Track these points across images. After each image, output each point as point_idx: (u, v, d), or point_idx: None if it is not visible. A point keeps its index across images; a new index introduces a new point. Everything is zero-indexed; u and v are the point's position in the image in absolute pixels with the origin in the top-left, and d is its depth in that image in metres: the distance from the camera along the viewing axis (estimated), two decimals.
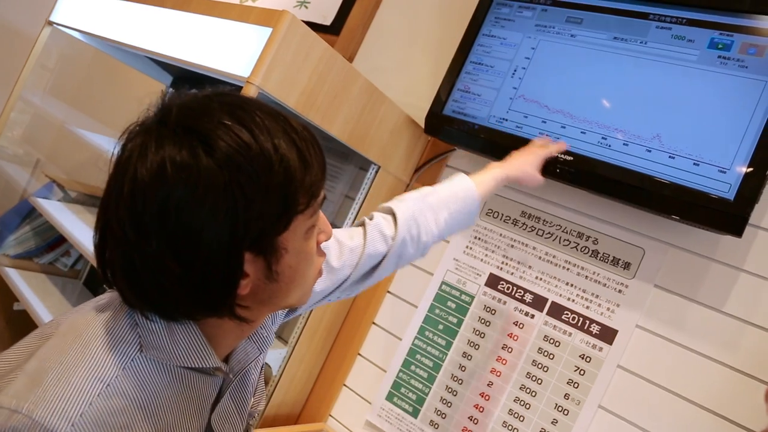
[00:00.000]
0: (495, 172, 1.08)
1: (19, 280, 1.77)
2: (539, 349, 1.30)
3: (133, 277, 0.56)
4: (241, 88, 1.11)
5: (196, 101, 0.56)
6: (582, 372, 1.24)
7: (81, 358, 0.56)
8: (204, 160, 0.52)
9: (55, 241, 1.94)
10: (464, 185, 1.02)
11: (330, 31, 1.80)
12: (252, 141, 0.54)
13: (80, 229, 1.66)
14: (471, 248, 1.45)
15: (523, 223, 1.40)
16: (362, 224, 0.94)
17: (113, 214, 0.54)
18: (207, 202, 0.52)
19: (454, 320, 1.42)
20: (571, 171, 1.22)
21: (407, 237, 0.93)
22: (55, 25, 1.78)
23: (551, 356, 1.28)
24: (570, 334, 1.28)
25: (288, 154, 0.56)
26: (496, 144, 1.32)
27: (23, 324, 1.73)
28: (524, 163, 1.13)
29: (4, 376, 0.56)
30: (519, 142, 1.27)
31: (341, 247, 0.87)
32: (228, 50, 1.22)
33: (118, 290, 0.59)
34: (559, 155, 1.23)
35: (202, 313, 0.60)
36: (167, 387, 0.61)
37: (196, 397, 0.64)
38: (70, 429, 0.52)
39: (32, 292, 1.73)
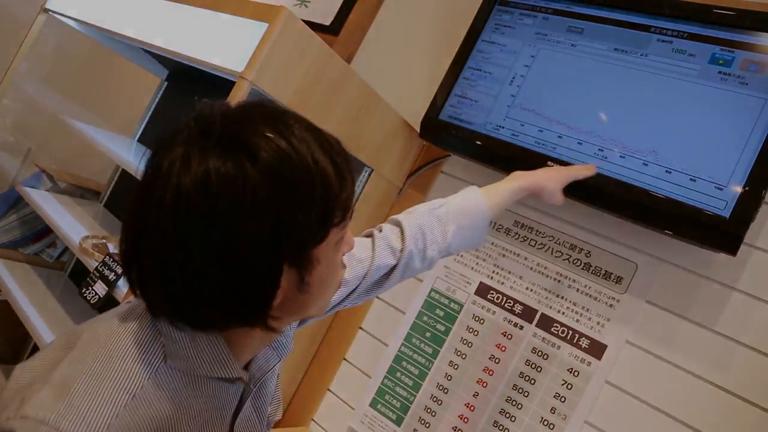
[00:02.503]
0: (513, 183, 1.02)
1: (3, 270, 1.74)
2: (527, 361, 1.28)
3: (170, 286, 0.55)
4: (234, 82, 1.09)
5: (237, 112, 0.56)
6: (569, 386, 1.22)
7: (106, 368, 0.55)
8: (250, 171, 0.51)
9: (41, 231, 1.91)
10: (475, 200, 0.97)
11: (329, 31, 1.78)
12: (293, 153, 0.54)
13: (67, 221, 1.63)
14: (462, 256, 1.43)
15: (516, 233, 1.38)
16: (370, 235, 0.92)
17: (153, 222, 0.53)
18: (253, 214, 0.52)
19: (442, 328, 1.40)
20: None
21: (414, 250, 0.92)
22: (50, 13, 1.76)
23: (539, 369, 1.26)
24: (559, 347, 1.26)
25: (326, 168, 0.56)
26: (492, 151, 1.30)
27: (4, 315, 1.69)
28: (548, 178, 1.05)
29: (27, 387, 0.55)
30: (515, 151, 1.26)
31: (350, 258, 0.87)
32: (223, 44, 1.21)
33: (147, 298, 0.58)
34: (553, 165, 1.21)
35: (236, 324, 0.59)
36: (191, 396, 0.60)
37: (218, 405, 0.64)
38: None
39: (15, 282, 1.70)
